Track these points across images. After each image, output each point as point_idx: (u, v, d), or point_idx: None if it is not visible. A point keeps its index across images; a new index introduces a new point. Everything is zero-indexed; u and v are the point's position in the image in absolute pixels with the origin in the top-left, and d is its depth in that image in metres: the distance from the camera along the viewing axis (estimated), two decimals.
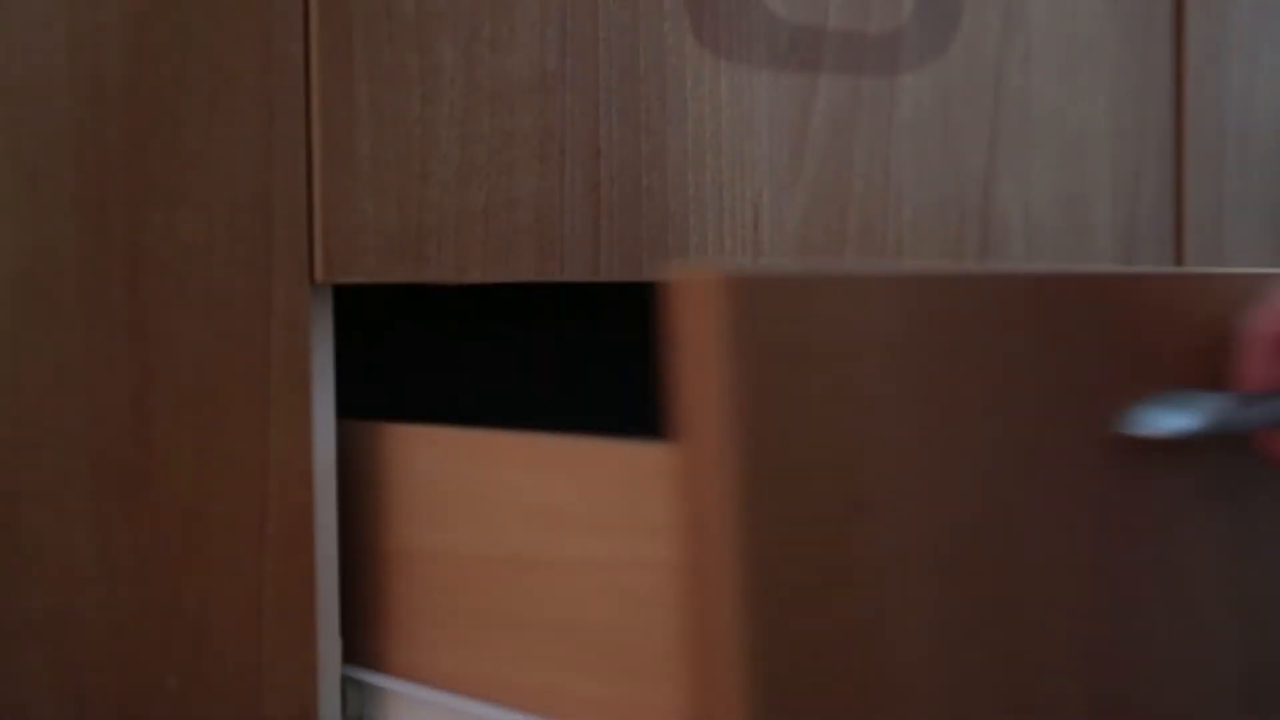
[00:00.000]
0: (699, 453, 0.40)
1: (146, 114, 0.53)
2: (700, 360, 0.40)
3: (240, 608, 0.55)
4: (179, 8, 0.53)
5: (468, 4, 0.59)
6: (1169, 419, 0.48)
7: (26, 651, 0.51)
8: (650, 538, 0.47)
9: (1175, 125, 0.87)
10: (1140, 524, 0.49)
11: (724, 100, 0.67)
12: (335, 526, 0.58)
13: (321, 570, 0.57)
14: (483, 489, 0.55)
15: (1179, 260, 0.88)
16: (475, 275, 0.60)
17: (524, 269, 0.61)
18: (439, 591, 0.57)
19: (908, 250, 0.74)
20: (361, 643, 0.60)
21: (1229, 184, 0.91)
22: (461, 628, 0.56)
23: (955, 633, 0.43)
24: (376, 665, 0.60)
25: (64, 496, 0.52)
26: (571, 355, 0.93)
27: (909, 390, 0.43)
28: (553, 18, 0.62)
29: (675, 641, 0.43)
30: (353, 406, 0.66)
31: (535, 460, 0.53)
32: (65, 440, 0.52)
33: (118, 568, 0.53)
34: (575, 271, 0.63)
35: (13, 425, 0.51)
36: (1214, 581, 0.52)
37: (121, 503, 0.53)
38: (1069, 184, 0.81)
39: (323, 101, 0.56)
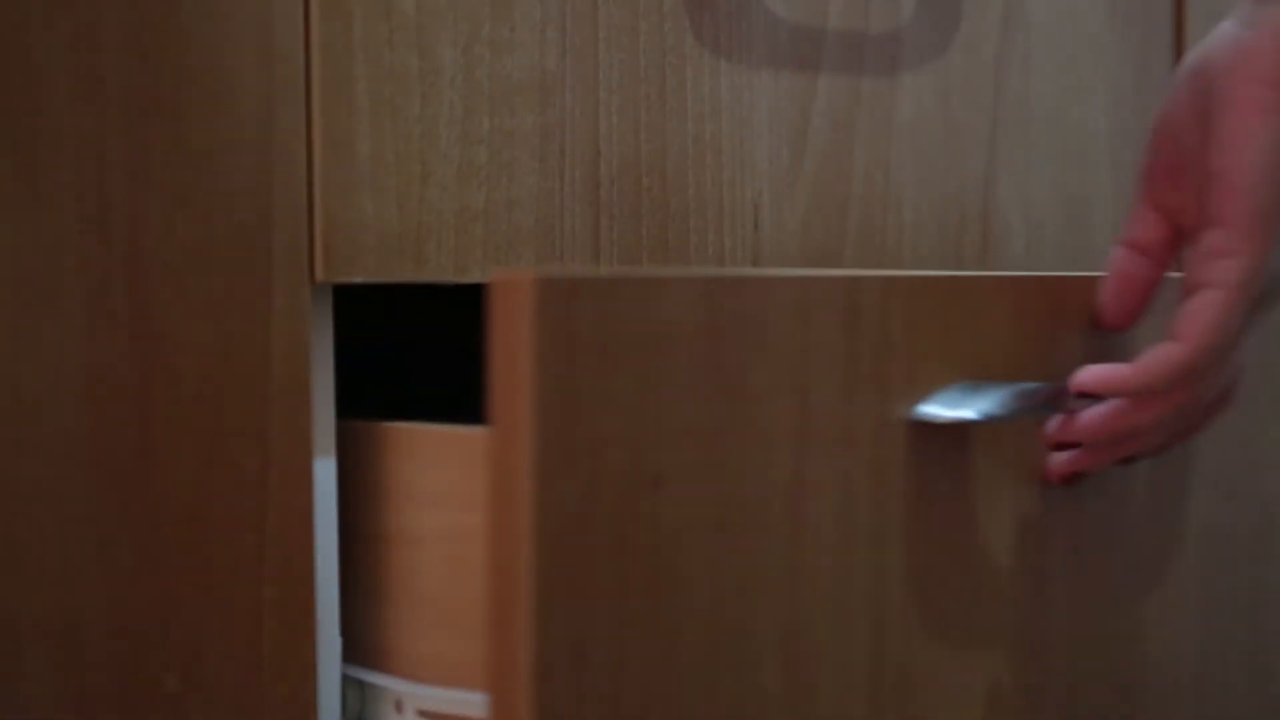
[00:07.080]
0: (506, 434, 0.44)
1: (146, 114, 0.53)
2: (512, 352, 0.44)
3: (240, 607, 0.55)
4: (179, 7, 0.53)
5: (468, 4, 0.59)
6: (953, 409, 0.53)
7: (26, 651, 0.51)
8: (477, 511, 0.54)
9: None
10: (931, 497, 0.54)
11: (724, 100, 0.67)
12: (335, 527, 0.58)
13: (321, 570, 0.57)
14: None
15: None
16: (475, 275, 0.60)
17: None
18: (440, 589, 0.57)
19: (908, 250, 0.74)
20: (361, 642, 0.60)
21: None
22: (459, 624, 0.56)
23: (732, 591, 0.49)
24: (376, 665, 0.60)
25: (64, 496, 0.52)
26: None
27: (704, 380, 0.48)
28: (553, 18, 0.62)
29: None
30: (353, 406, 0.66)
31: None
32: (65, 440, 0.52)
33: (118, 568, 0.53)
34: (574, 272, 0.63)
35: (13, 425, 0.51)
36: (1005, 553, 0.56)
37: (121, 503, 0.53)
38: (1069, 184, 0.81)
39: (323, 101, 0.56)
